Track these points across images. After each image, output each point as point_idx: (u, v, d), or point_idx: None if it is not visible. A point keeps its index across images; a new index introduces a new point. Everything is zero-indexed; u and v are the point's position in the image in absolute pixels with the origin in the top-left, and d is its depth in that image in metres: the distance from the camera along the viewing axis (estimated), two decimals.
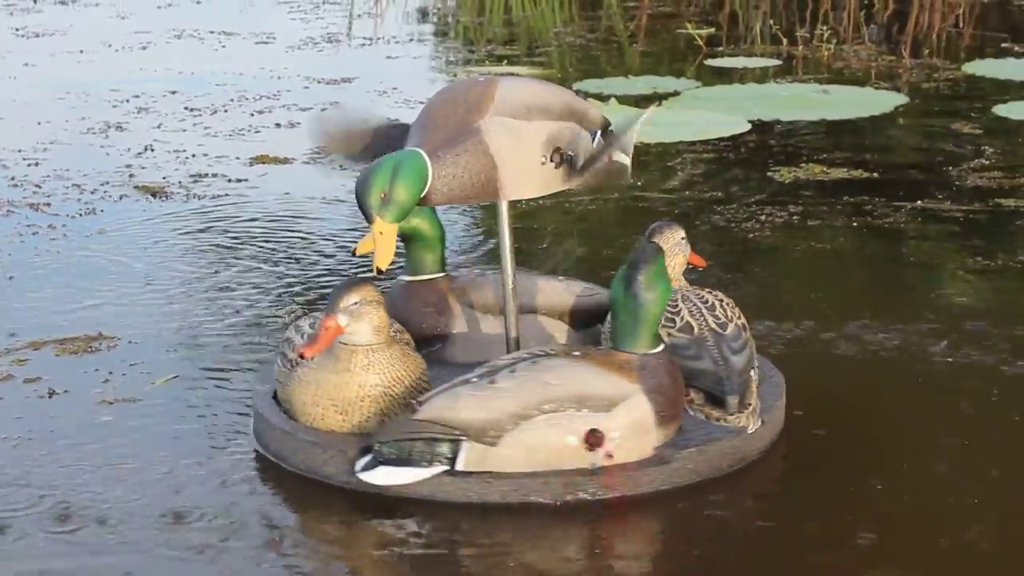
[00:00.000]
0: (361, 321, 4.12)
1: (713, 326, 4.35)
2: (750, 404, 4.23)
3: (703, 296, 4.44)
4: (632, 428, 4.01)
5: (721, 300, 4.44)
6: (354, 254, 4.66)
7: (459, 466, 3.96)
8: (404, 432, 3.96)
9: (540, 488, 3.96)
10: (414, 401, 4.06)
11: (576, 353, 4.11)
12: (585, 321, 4.72)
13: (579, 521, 3.93)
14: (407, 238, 4.65)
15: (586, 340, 4.66)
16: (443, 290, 4.68)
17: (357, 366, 4.14)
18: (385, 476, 3.96)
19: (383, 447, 3.96)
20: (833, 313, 5.44)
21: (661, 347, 4.12)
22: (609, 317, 4.27)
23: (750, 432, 4.21)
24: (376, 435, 4.02)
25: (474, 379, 4.05)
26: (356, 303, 4.10)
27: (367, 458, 3.99)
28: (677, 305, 4.38)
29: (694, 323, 4.35)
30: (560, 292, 4.73)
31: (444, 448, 3.96)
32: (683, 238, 4.59)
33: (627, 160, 4.46)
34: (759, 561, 3.77)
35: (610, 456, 3.98)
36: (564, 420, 3.96)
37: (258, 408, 4.38)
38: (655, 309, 4.06)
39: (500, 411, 3.95)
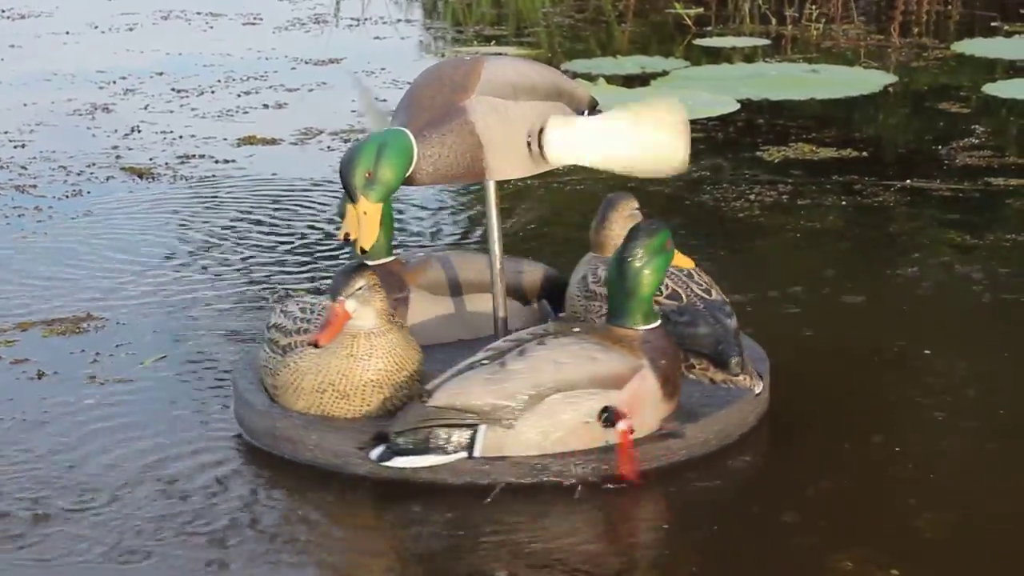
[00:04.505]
0: (367, 306, 4.09)
1: (699, 292, 4.37)
2: (748, 365, 4.28)
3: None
4: (642, 404, 4.01)
5: (694, 269, 4.42)
6: (345, 240, 4.37)
7: (477, 452, 3.94)
8: (419, 420, 3.92)
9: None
10: (424, 388, 4.01)
11: (577, 330, 4.09)
12: (528, 298, 4.75)
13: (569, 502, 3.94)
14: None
15: (530, 315, 4.72)
16: (396, 273, 4.59)
17: (361, 351, 4.10)
18: (404, 463, 3.93)
19: (399, 437, 3.92)
20: (822, 292, 5.43)
21: (659, 322, 4.11)
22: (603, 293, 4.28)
23: (757, 393, 4.26)
24: (391, 424, 3.97)
25: (483, 362, 4.00)
26: (362, 288, 4.07)
27: (381, 448, 3.94)
28: None
29: (680, 291, 4.36)
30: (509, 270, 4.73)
31: (461, 435, 3.94)
32: (636, 208, 4.58)
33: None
34: (737, 540, 3.78)
35: (631, 431, 3.95)
36: (579, 399, 3.95)
37: (242, 394, 4.34)
38: (648, 284, 4.04)
39: (514, 393, 3.92)
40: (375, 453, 3.95)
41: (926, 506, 3.88)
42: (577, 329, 4.09)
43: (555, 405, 3.94)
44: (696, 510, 3.94)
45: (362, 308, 4.07)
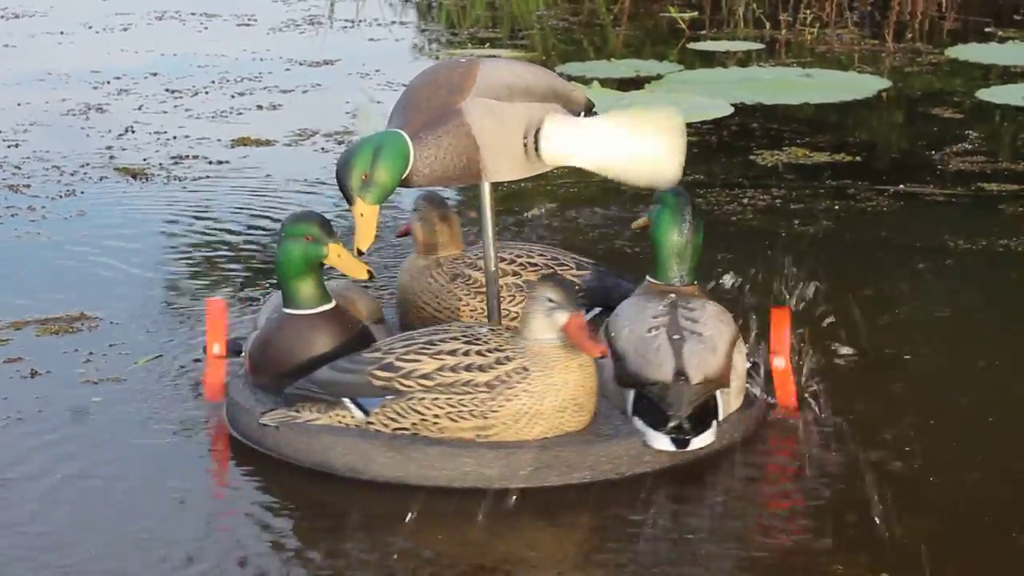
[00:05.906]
0: None
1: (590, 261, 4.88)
2: None
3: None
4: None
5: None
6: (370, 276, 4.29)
7: (721, 416, 4.13)
8: (695, 399, 4.03)
9: None
10: (675, 370, 4.04)
11: (674, 296, 4.28)
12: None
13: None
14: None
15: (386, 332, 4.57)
16: (347, 311, 4.37)
17: (584, 360, 4.00)
18: (700, 442, 4.02)
19: (687, 421, 4.00)
20: (813, 296, 5.44)
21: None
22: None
23: None
24: (672, 409, 3.98)
25: (675, 337, 4.13)
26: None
27: (667, 437, 3.99)
28: None
29: (583, 262, 4.86)
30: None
31: (711, 404, 4.10)
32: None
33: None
34: (728, 543, 3.78)
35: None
36: (740, 349, 4.27)
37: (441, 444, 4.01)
38: (700, 241, 4.38)
39: (725, 355, 4.15)
40: (662, 444, 4.01)
41: (917, 511, 3.89)
42: (673, 295, 4.30)
43: (736, 358, 4.23)
44: (685, 513, 3.94)
45: None
